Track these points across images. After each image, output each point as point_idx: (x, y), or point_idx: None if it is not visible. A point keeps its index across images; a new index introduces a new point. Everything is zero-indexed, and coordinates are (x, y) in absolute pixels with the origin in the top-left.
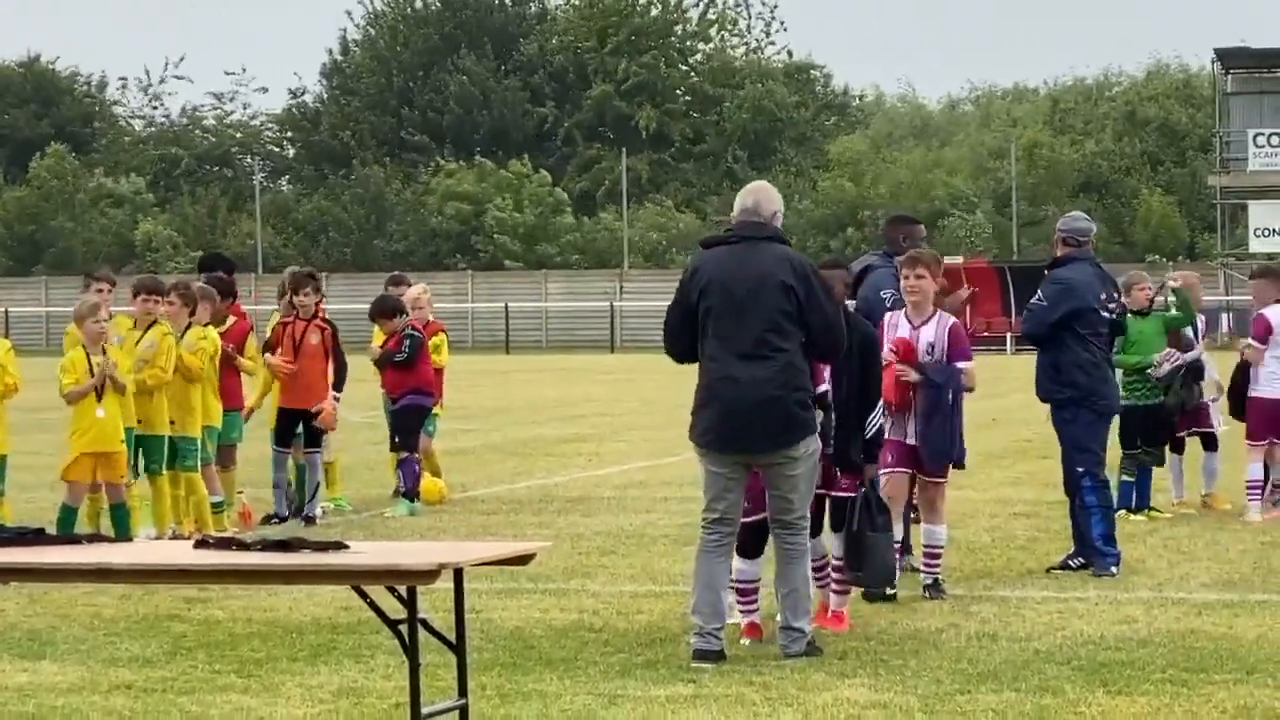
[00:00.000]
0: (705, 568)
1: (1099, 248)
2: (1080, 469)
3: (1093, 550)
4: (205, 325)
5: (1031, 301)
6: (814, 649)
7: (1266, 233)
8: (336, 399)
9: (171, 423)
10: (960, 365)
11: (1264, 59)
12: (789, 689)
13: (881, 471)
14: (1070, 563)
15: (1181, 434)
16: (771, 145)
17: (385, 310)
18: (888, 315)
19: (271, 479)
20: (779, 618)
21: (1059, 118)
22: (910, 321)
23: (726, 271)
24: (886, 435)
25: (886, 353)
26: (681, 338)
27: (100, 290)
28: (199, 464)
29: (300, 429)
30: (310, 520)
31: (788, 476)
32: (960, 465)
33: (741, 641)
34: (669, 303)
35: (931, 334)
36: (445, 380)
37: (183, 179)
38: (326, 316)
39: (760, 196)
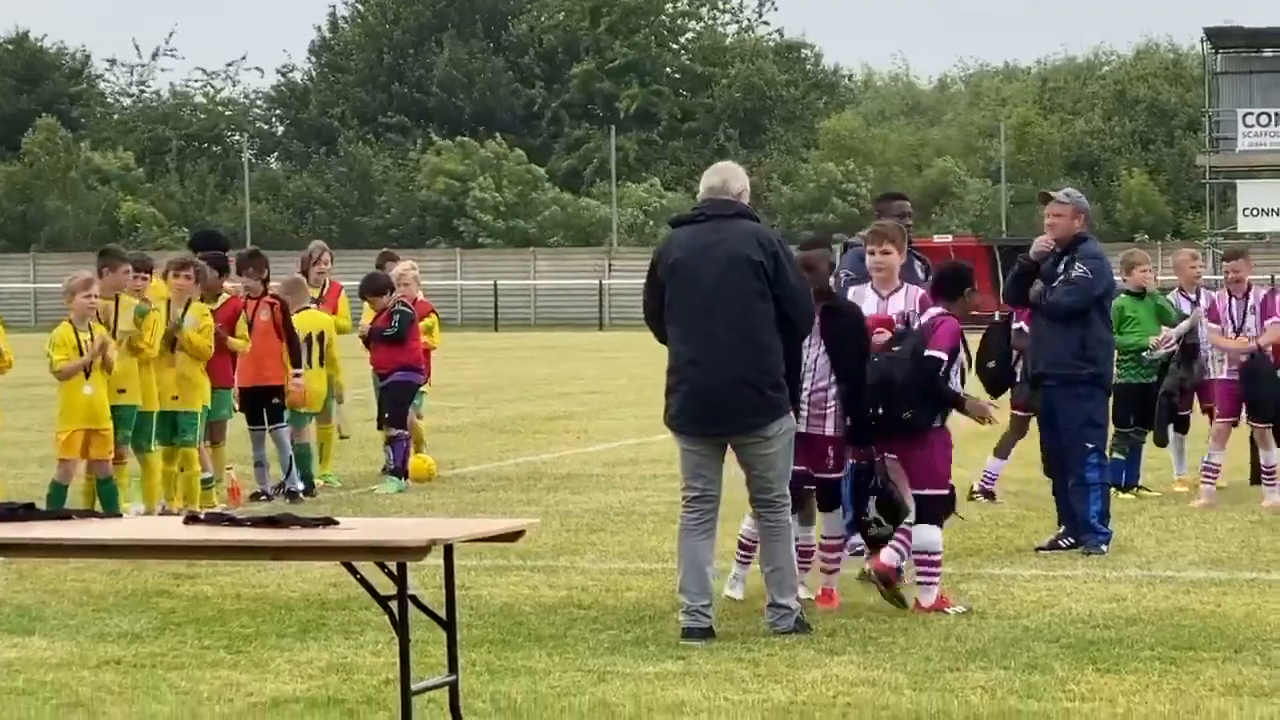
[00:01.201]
0: (688, 545)
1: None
2: (1090, 445)
3: (1086, 527)
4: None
5: (1076, 274)
6: (802, 625)
7: (1255, 212)
8: (298, 375)
9: (175, 398)
10: None
11: (1253, 38)
12: (778, 666)
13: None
14: (1060, 543)
15: (1186, 413)
16: (761, 124)
17: (375, 288)
18: (854, 290)
19: (253, 458)
20: (766, 594)
21: (1048, 97)
22: (878, 293)
23: (694, 251)
24: None
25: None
26: (660, 318)
27: (127, 273)
28: (197, 440)
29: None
30: (293, 495)
31: (762, 456)
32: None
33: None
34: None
35: (902, 304)
36: (434, 358)
37: (169, 157)
38: (275, 294)
39: (728, 175)
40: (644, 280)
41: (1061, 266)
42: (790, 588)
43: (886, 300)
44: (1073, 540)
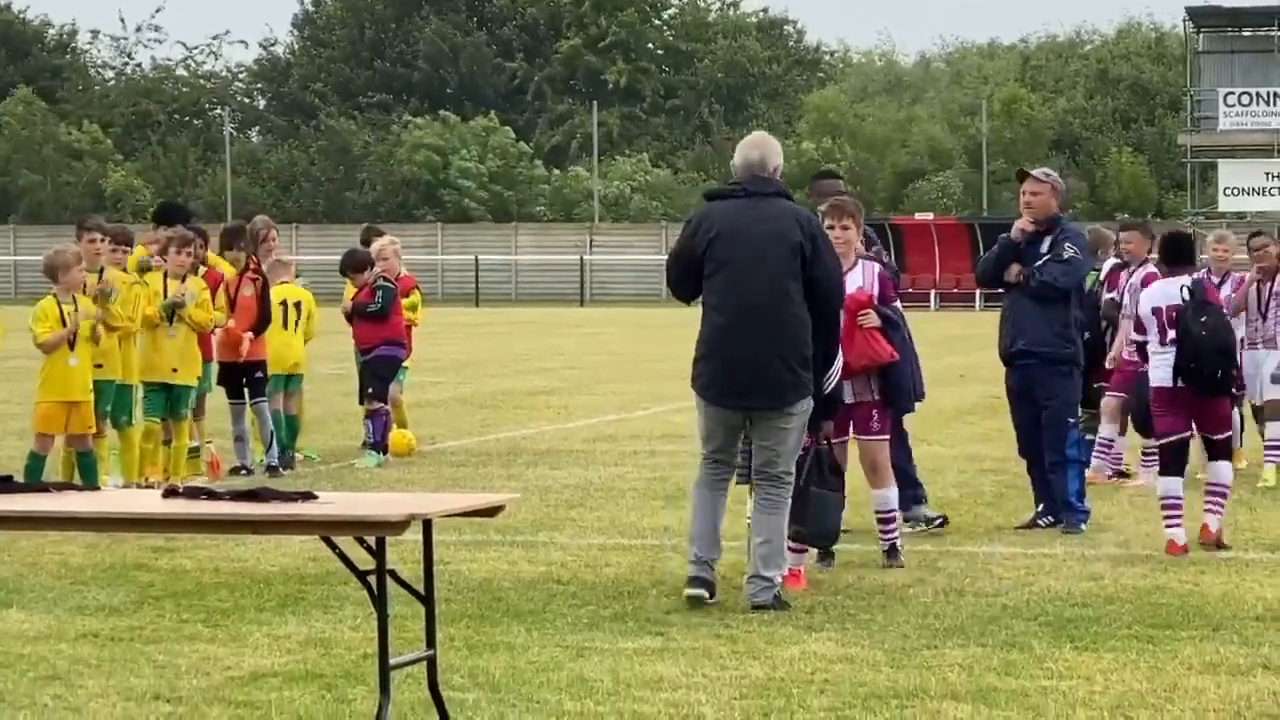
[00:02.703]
0: (703, 496)
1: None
2: (1072, 420)
3: (1067, 506)
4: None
5: (1068, 254)
6: (780, 602)
7: (1236, 192)
8: (250, 340)
9: (174, 370)
10: (895, 306)
11: (1235, 18)
12: (756, 642)
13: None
14: (1039, 521)
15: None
16: (744, 100)
17: (355, 263)
18: None
19: (232, 432)
20: (749, 566)
21: (1030, 75)
22: None
23: (737, 226)
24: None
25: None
26: (686, 285)
27: (92, 241)
28: (188, 412)
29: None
30: (273, 469)
31: (779, 429)
32: (920, 396)
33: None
34: (642, 256)
35: (860, 279)
36: (415, 333)
37: (151, 130)
38: (259, 268)
39: (766, 150)
40: (626, 256)
41: (1046, 246)
42: (777, 563)
43: (844, 276)
44: (1052, 519)
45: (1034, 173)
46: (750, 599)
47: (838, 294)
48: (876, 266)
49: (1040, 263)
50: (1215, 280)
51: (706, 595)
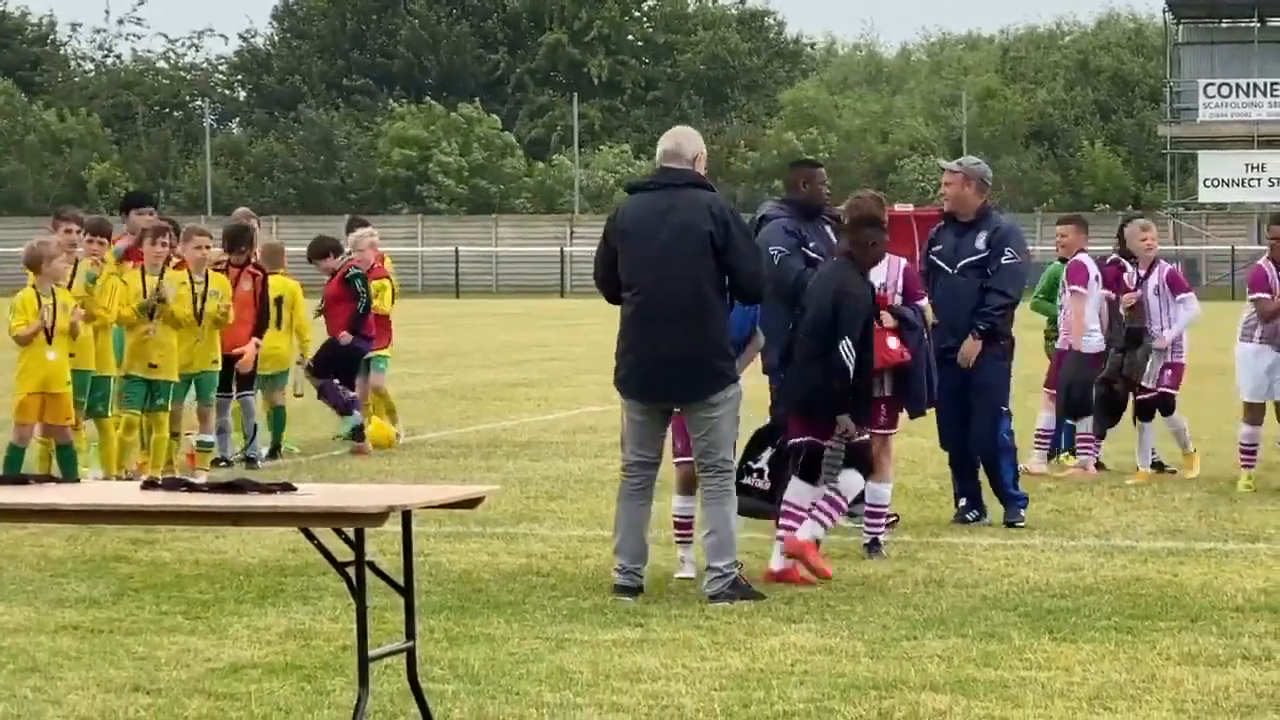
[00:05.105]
0: (626, 509)
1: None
2: (1005, 408)
3: (1006, 497)
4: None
5: (1007, 261)
6: (740, 588)
7: (1215, 183)
8: (257, 345)
9: (153, 366)
10: (919, 305)
11: (1215, 9)
12: (736, 633)
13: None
14: (967, 515)
15: (1145, 397)
16: (724, 92)
17: (319, 250)
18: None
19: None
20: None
21: (1009, 66)
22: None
23: (645, 219)
24: None
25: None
26: (610, 281)
27: (69, 231)
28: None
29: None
30: (250, 461)
31: (706, 419)
32: (934, 401)
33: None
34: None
35: (883, 275)
36: (394, 324)
37: (131, 122)
38: (258, 263)
39: (682, 139)
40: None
41: (982, 242)
42: (727, 552)
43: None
44: (978, 512)
45: (949, 164)
46: (705, 591)
47: (756, 281)
48: (903, 262)
49: (980, 305)
50: (1142, 272)
51: (633, 600)
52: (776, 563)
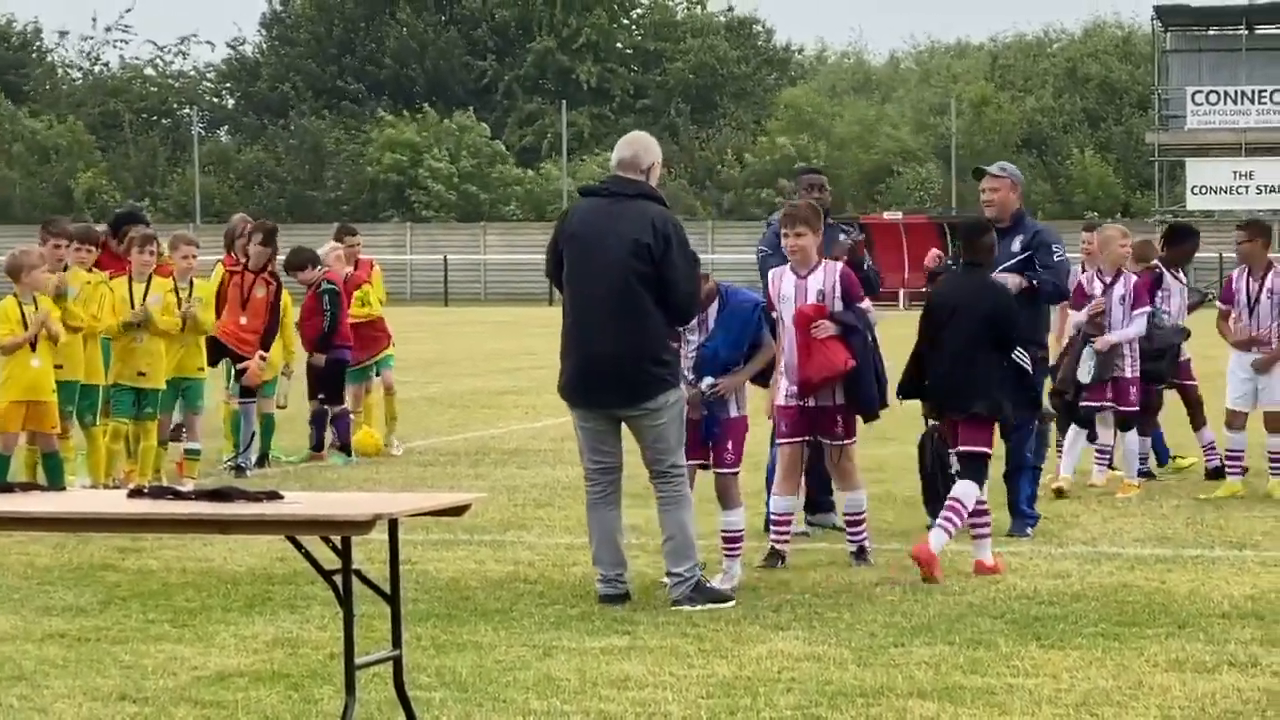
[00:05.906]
0: (595, 518)
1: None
2: (1031, 427)
3: (1021, 513)
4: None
5: (1058, 259)
6: (703, 591)
7: (1204, 190)
8: (263, 358)
9: (141, 374)
10: (859, 306)
11: (1203, 16)
12: (723, 641)
13: (780, 441)
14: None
15: (1093, 405)
16: (713, 100)
17: (297, 263)
18: (772, 272)
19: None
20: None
21: (998, 74)
22: (796, 273)
23: (590, 226)
24: (783, 401)
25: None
26: (559, 278)
27: (58, 246)
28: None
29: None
30: (238, 469)
31: (650, 427)
32: (884, 404)
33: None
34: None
35: (820, 282)
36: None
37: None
38: (274, 270)
39: (639, 148)
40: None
41: (1019, 245)
42: (686, 556)
43: (805, 279)
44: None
45: (990, 169)
46: (670, 597)
47: (687, 300)
48: (839, 266)
49: (1006, 262)
50: (1107, 279)
51: (619, 607)
52: (985, 556)
